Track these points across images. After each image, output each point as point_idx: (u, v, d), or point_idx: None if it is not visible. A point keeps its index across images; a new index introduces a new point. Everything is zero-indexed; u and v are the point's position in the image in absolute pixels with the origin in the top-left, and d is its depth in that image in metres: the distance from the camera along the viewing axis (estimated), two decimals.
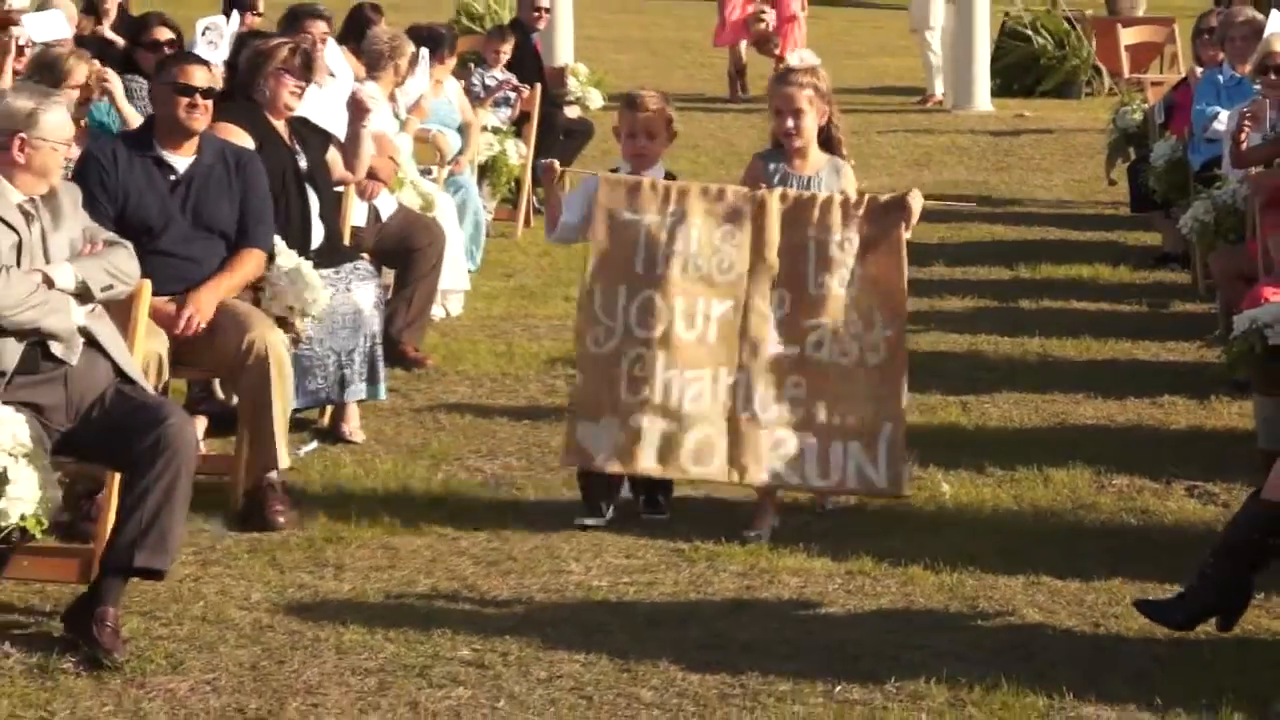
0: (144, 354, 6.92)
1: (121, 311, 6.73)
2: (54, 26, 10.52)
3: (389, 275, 9.79)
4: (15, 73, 9.44)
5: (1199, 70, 12.14)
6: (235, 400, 7.94)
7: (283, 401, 7.50)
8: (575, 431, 7.43)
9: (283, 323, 7.75)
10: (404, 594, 6.73)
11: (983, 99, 20.16)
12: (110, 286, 6.49)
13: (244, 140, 8.16)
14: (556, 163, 7.77)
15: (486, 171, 12.93)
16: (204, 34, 10.32)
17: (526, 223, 13.77)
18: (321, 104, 9.46)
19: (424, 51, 11.26)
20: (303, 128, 8.76)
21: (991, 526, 7.55)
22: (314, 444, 8.51)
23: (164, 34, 10.30)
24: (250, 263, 7.75)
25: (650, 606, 6.67)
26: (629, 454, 7.35)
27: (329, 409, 8.68)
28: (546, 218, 7.86)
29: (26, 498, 5.85)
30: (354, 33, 11.60)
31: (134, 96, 9.56)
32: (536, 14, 15.59)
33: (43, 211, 6.46)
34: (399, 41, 10.78)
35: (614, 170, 7.77)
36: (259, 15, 13.18)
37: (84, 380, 6.40)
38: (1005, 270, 12.54)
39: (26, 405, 6.18)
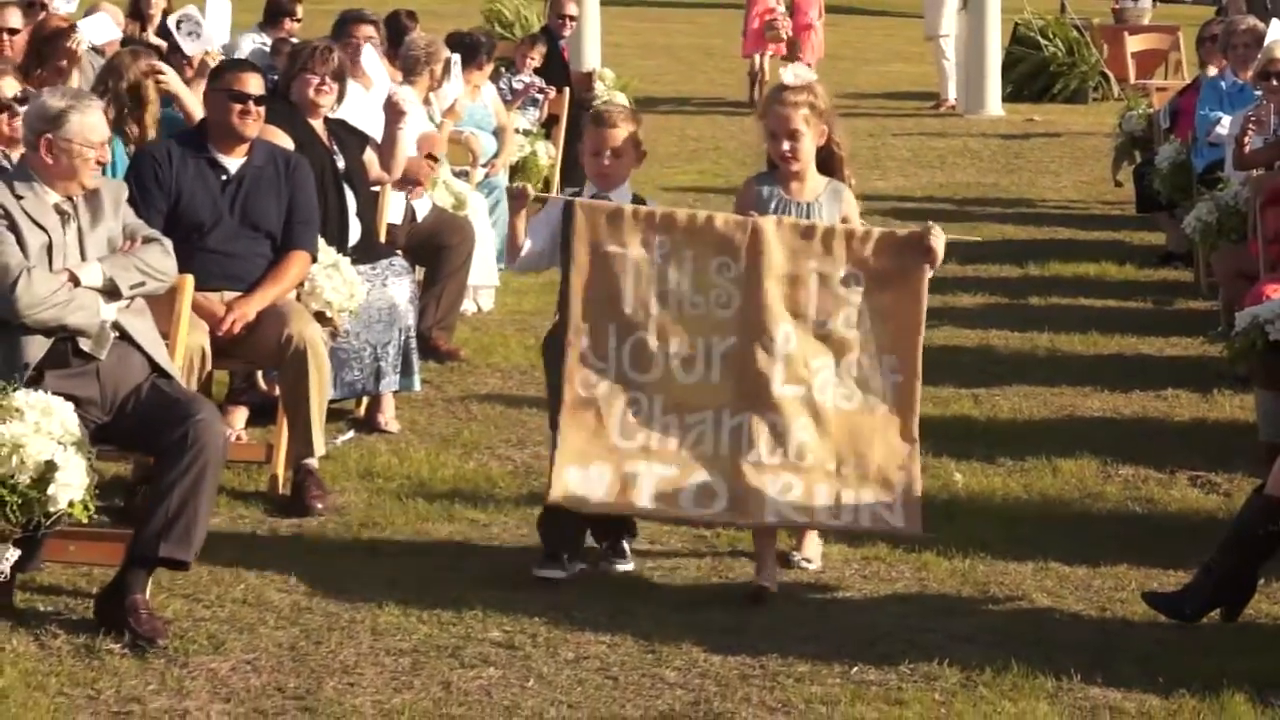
0: (186, 347, 6.99)
1: (164, 306, 6.79)
2: (105, 29, 10.60)
3: (420, 271, 9.85)
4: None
5: (1212, 70, 12.24)
6: (276, 391, 8.02)
7: (320, 393, 7.56)
8: (563, 475, 6.68)
9: (321, 317, 7.84)
10: (436, 577, 6.78)
11: (994, 104, 20.25)
12: (142, 283, 6.51)
13: (284, 141, 8.24)
14: (530, 187, 6.90)
15: (517, 172, 12.94)
16: (179, 26, 10.28)
17: None
18: (361, 107, 9.56)
19: (455, 57, 11.32)
20: (340, 129, 8.84)
21: (1002, 514, 7.61)
22: (351, 433, 8.58)
23: None
24: (296, 266, 7.78)
25: (674, 591, 6.75)
26: (624, 496, 6.67)
27: (365, 400, 8.76)
28: (507, 247, 7.08)
29: (75, 484, 5.91)
30: (390, 39, 11.64)
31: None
32: (562, 21, 15.88)
33: (82, 211, 6.48)
34: (435, 48, 10.89)
35: (575, 193, 7.13)
36: (298, 21, 13.16)
37: (117, 374, 6.45)
38: (1015, 268, 12.59)
39: (63, 398, 6.14)
